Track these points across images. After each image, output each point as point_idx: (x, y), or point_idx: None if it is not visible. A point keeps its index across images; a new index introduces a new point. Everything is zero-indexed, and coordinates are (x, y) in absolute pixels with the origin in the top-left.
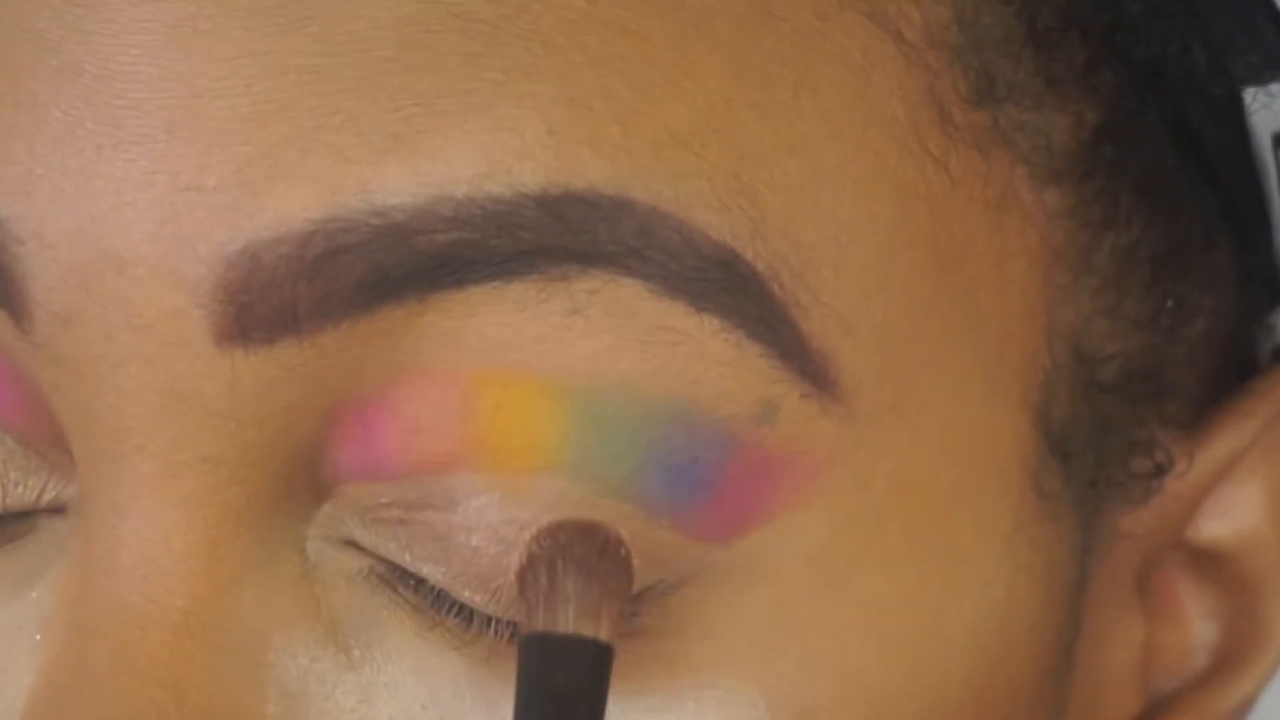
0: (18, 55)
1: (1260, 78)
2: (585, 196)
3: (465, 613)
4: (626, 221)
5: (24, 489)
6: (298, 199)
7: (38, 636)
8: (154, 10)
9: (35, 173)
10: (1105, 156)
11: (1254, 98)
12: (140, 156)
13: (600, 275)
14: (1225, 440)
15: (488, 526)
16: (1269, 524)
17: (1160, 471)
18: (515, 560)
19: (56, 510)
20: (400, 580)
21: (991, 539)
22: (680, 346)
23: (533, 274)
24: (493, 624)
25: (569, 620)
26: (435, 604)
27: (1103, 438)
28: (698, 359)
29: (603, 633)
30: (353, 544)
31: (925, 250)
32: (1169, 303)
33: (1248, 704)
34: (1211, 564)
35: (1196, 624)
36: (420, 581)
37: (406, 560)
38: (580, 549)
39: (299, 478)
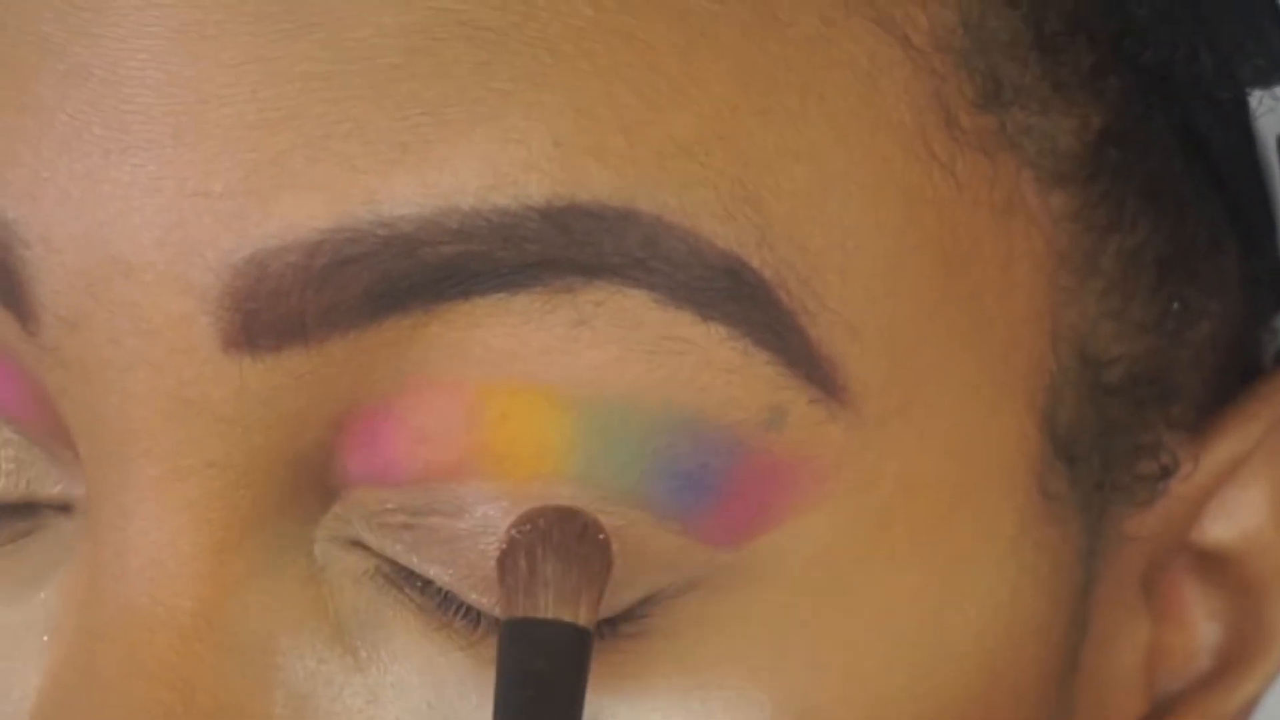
0: (22, 58)
1: (1267, 81)
2: (590, 209)
3: (473, 614)
4: (632, 232)
5: (29, 479)
6: (305, 208)
7: (45, 638)
8: (160, 15)
9: (41, 176)
10: (1111, 160)
11: (1260, 101)
12: (147, 162)
13: (606, 287)
14: (1230, 443)
15: (495, 530)
16: (1273, 526)
17: (1165, 474)
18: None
19: (63, 510)
20: (406, 580)
21: (997, 541)
22: (687, 355)
23: (538, 286)
24: None
25: (549, 605)
26: (442, 605)
27: (1108, 440)
28: (705, 367)
29: (582, 617)
30: (359, 544)
31: (932, 254)
32: (1174, 306)
33: (1251, 705)
34: (1215, 566)
35: (1200, 626)
36: (427, 583)
37: (414, 562)
38: (559, 534)
39: (306, 482)
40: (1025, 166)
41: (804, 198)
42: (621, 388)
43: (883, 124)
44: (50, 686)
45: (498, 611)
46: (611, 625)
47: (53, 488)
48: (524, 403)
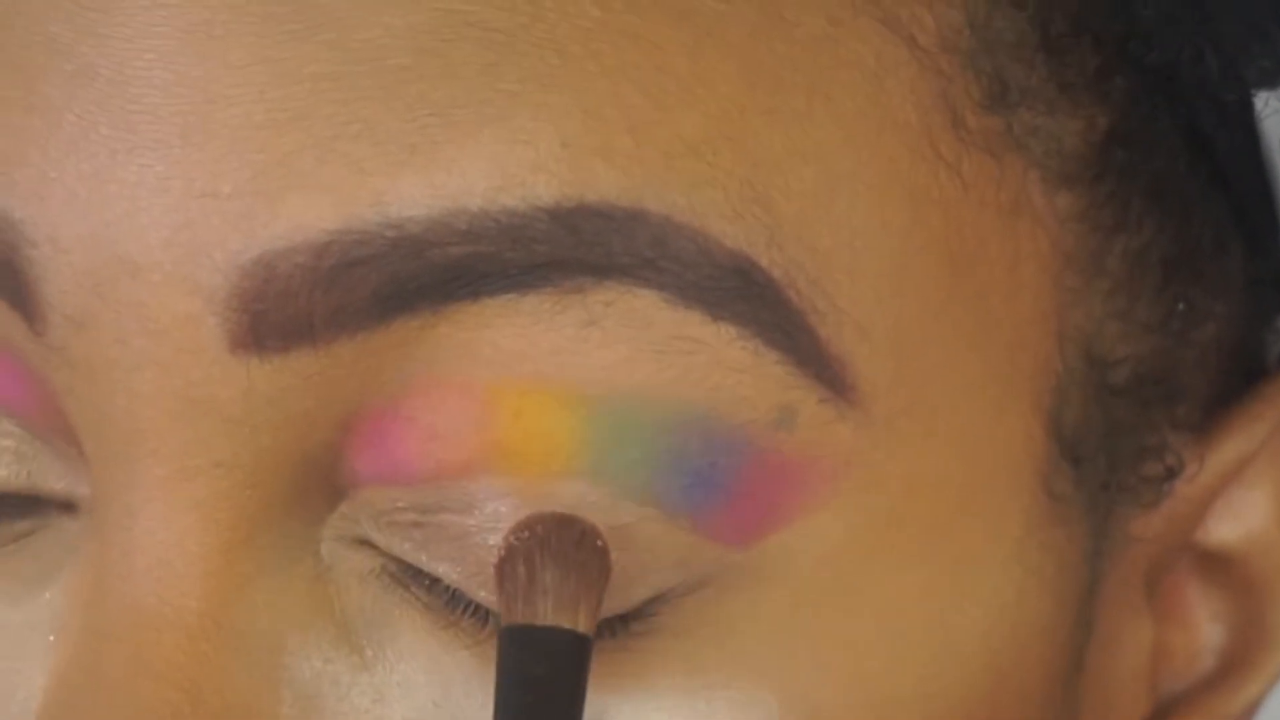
0: (30, 59)
1: (1272, 82)
2: (599, 209)
3: (480, 612)
4: (641, 233)
5: (31, 471)
6: (313, 209)
7: (51, 638)
8: (167, 15)
9: (49, 176)
10: (1117, 160)
11: (1265, 103)
12: (155, 162)
13: (615, 287)
14: (1234, 444)
15: (505, 526)
16: (1277, 526)
17: (1171, 475)
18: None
19: (67, 509)
20: (413, 579)
21: (1002, 542)
22: (697, 355)
23: (548, 286)
24: None
25: (548, 612)
26: (450, 603)
27: (1114, 441)
28: (715, 367)
29: (581, 624)
30: (366, 543)
31: (938, 255)
32: (1180, 306)
33: (1254, 706)
34: (1219, 567)
35: (1204, 627)
36: (434, 581)
37: (422, 560)
38: (558, 541)
39: (314, 483)
40: (1031, 167)
41: (812, 198)
42: (632, 387)
43: (889, 124)
44: (56, 687)
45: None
46: (622, 623)
47: (56, 483)
48: (534, 402)
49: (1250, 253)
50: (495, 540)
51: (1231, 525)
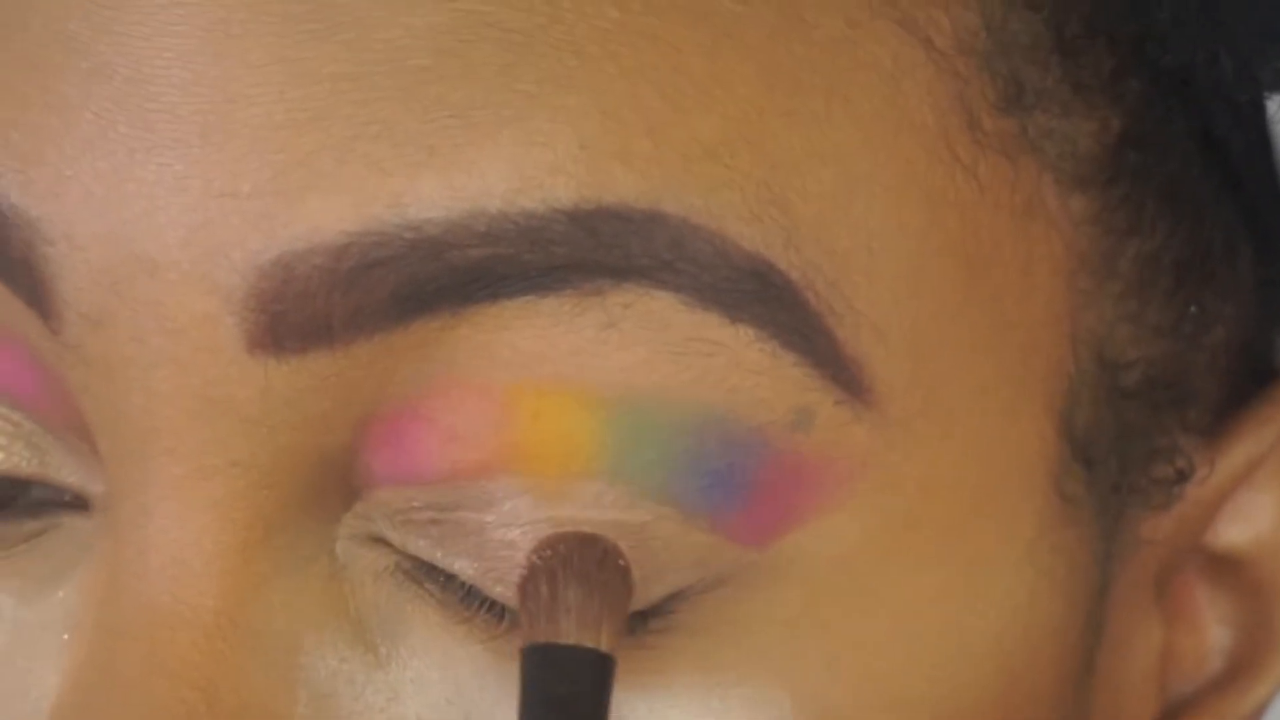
0: (47, 57)
1: None
2: (617, 211)
3: (496, 609)
4: (659, 234)
5: (43, 462)
6: (333, 210)
7: (65, 636)
8: (184, 14)
9: (65, 174)
10: (1130, 163)
11: (1278, 106)
12: (174, 161)
13: (634, 289)
14: (1244, 447)
15: (524, 523)
16: None
17: (1181, 478)
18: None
19: (80, 508)
20: (427, 575)
21: (1015, 544)
22: (715, 357)
23: (566, 288)
24: None
25: (571, 631)
26: (465, 599)
27: (1125, 444)
28: (733, 369)
29: (604, 643)
30: (381, 541)
31: (954, 257)
32: (1191, 309)
33: (1262, 709)
34: (1228, 569)
35: (1212, 629)
36: (449, 578)
37: (438, 557)
38: (580, 560)
39: (330, 482)
40: (1046, 170)
41: (830, 200)
42: (650, 389)
43: (906, 126)
44: (70, 686)
45: (519, 637)
46: (641, 620)
47: (69, 476)
48: (553, 404)
49: (1259, 255)
50: (513, 535)
51: (1240, 528)
